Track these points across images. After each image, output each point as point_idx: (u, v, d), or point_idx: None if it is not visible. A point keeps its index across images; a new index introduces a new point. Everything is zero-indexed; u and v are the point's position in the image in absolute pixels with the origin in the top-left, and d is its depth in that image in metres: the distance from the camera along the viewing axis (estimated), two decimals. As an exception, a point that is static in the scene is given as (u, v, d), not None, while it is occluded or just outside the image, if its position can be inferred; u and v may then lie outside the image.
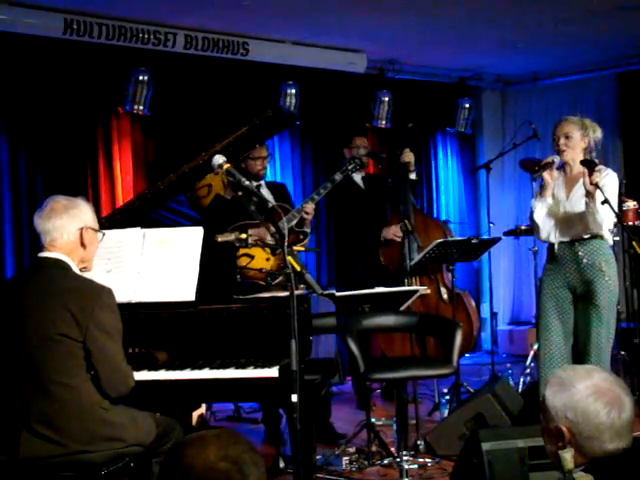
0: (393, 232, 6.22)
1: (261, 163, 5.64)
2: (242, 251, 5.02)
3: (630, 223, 6.21)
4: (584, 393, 2.31)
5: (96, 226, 3.38)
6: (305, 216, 5.59)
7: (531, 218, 4.87)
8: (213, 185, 5.53)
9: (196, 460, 1.80)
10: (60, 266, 3.24)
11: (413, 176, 6.27)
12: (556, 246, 4.81)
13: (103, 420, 3.14)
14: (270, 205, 3.46)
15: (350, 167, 5.81)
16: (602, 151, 7.11)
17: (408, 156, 6.19)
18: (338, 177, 5.72)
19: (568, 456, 2.29)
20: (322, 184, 5.83)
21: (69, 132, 6.64)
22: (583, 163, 4.65)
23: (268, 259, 5.18)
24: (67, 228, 3.26)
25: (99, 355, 3.15)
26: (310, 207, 5.60)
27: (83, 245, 3.30)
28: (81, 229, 3.29)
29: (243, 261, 5.07)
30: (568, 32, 7.23)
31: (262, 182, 5.73)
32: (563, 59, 8.27)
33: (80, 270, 3.32)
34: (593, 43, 7.59)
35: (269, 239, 4.97)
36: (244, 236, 3.89)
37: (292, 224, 5.54)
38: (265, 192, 5.69)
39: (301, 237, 5.61)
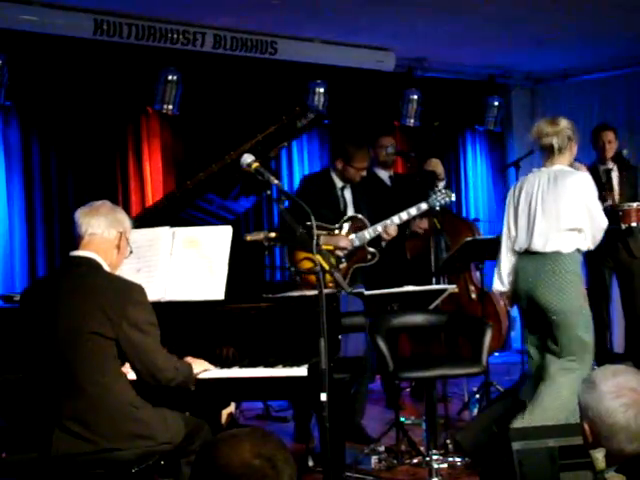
0: (417, 224, 6.15)
1: (359, 175, 5.49)
2: (303, 255, 4.93)
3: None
4: (604, 392, 2.29)
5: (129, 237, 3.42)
6: (385, 236, 5.46)
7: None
8: None
9: (231, 458, 1.80)
10: (91, 264, 3.26)
11: (442, 185, 6.09)
12: None
13: (134, 418, 3.16)
14: (310, 217, 3.32)
15: (440, 197, 5.60)
16: (633, 150, 7.06)
17: (435, 165, 6.02)
18: (424, 206, 5.55)
19: (600, 456, 2.27)
20: (408, 208, 5.56)
21: (99, 132, 6.68)
22: None
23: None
24: (109, 227, 3.31)
25: (133, 352, 3.17)
26: (393, 229, 5.46)
27: (118, 247, 3.34)
28: (121, 233, 3.35)
29: (305, 265, 4.93)
30: (598, 29, 7.17)
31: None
32: (593, 56, 8.20)
33: (108, 272, 3.35)
34: (623, 40, 7.52)
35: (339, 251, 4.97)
36: (273, 235, 3.89)
37: (365, 241, 5.42)
38: (347, 194, 5.54)
39: (369, 257, 5.42)
